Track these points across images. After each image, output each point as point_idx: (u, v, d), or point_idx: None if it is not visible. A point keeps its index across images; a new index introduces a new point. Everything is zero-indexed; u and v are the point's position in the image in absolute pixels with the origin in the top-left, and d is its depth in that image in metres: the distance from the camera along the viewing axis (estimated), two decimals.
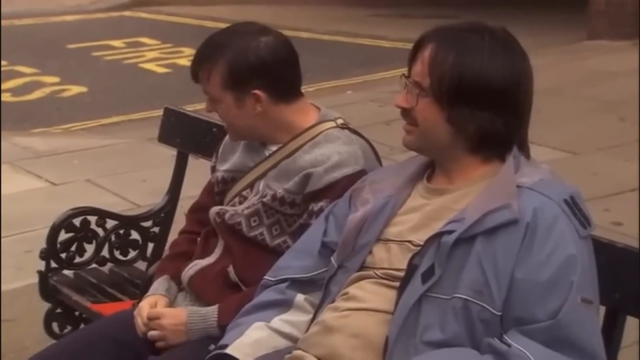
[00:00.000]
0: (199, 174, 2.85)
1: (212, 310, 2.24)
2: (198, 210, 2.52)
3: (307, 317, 2.03)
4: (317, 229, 2.11)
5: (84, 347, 2.27)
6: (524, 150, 1.91)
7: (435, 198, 1.92)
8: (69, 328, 3.06)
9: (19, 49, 9.29)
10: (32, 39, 10.03)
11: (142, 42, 10.14)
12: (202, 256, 2.38)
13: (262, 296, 2.09)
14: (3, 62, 8.67)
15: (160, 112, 3.28)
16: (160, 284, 2.38)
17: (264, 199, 2.29)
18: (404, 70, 1.96)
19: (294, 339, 2.01)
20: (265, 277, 2.11)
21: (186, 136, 3.12)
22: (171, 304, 2.35)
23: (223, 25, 2.42)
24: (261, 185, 2.32)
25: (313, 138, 2.29)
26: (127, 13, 11.62)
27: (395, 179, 2.00)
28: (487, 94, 1.84)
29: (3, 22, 10.59)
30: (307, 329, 1.99)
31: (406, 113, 1.92)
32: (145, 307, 2.29)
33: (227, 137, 2.47)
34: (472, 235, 1.79)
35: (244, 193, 2.35)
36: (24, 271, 3.90)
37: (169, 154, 3.39)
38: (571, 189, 1.85)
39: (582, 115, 6.35)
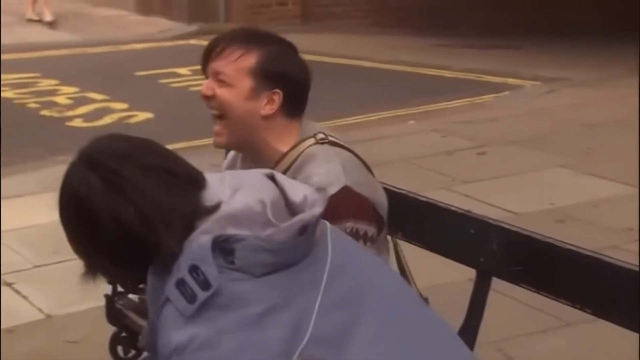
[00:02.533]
0: None
1: None
2: None
3: None
4: None
5: None
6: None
7: None
8: (133, 352, 3.11)
9: (90, 76, 9.51)
10: (103, 66, 10.26)
11: None
12: None
13: None
14: (76, 89, 8.90)
15: None
16: None
17: None
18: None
19: None
20: None
21: None
22: None
23: None
24: None
25: (293, 162, 2.17)
26: (192, 41, 11.79)
27: None
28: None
29: (77, 51, 10.93)
30: None
31: None
32: None
33: (226, 161, 2.45)
34: None
35: None
36: (92, 294, 3.92)
37: None
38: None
39: None
